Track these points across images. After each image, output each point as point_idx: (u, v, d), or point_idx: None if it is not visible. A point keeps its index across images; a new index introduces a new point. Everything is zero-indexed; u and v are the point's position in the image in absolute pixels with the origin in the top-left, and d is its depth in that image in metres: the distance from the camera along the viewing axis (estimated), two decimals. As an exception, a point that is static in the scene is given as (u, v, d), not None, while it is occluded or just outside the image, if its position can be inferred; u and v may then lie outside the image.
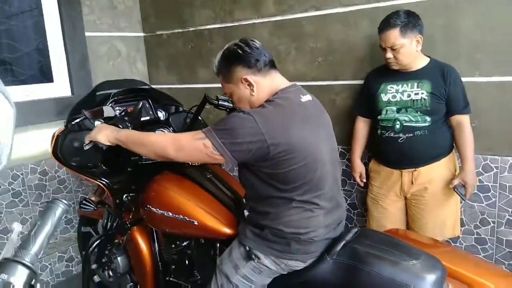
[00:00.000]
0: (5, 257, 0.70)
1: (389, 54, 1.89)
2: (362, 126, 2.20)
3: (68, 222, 2.78)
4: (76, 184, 2.79)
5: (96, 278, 2.07)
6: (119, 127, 1.61)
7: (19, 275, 0.68)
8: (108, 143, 1.52)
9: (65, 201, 0.81)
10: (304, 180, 1.30)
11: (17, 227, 0.77)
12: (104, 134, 1.52)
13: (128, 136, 1.50)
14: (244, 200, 1.54)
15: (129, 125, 1.65)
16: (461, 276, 1.28)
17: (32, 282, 0.69)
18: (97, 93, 1.83)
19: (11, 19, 2.62)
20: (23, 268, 0.69)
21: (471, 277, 1.27)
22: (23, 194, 2.55)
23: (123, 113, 1.71)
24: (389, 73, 2.01)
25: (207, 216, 1.58)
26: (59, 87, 2.76)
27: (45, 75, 2.72)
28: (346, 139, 2.36)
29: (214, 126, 1.31)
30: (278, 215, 1.33)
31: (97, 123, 1.63)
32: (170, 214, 1.63)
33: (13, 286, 0.66)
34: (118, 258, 1.93)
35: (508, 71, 1.95)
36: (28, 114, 2.51)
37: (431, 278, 1.17)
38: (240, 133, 1.24)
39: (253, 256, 1.36)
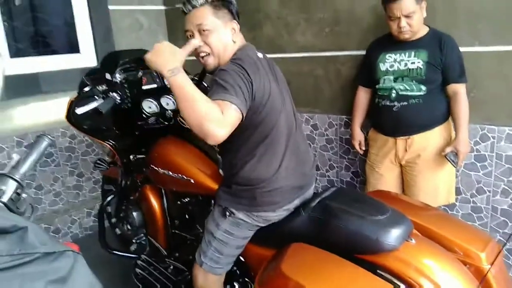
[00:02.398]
0: (1, 172, 0.94)
1: (404, 23, 1.89)
2: (362, 95, 2.26)
3: (96, 182, 3.06)
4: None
5: (118, 231, 2.31)
6: (119, 94, 1.76)
7: (9, 185, 0.92)
8: (158, 72, 1.27)
9: (50, 136, 1.04)
10: (268, 127, 1.38)
11: (15, 157, 1.00)
12: (163, 59, 1.24)
13: (183, 88, 1.21)
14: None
15: (127, 91, 1.80)
16: (432, 233, 1.37)
17: (19, 191, 0.93)
18: (105, 63, 1.99)
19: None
20: (12, 181, 0.93)
21: (444, 236, 1.35)
22: (55, 155, 2.85)
23: (123, 81, 1.86)
24: (388, 42, 2.05)
25: (202, 175, 1.73)
26: (86, 57, 2.99)
27: (73, 47, 2.95)
28: (350, 108, 2.42)
29: (223, 90, 1.22)
30: (244, 165, 1.43)
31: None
32: (170, 173, 1.80)
33: (3, 191, 0.90)
34: (134, 213, 2.14)
35: (508, 41, 1.94)
36: (58, 82, 2.77)
37: (394, 231, 1.26)
38: (242, 85, 1.26)
39: (228, 213, 1.51)
